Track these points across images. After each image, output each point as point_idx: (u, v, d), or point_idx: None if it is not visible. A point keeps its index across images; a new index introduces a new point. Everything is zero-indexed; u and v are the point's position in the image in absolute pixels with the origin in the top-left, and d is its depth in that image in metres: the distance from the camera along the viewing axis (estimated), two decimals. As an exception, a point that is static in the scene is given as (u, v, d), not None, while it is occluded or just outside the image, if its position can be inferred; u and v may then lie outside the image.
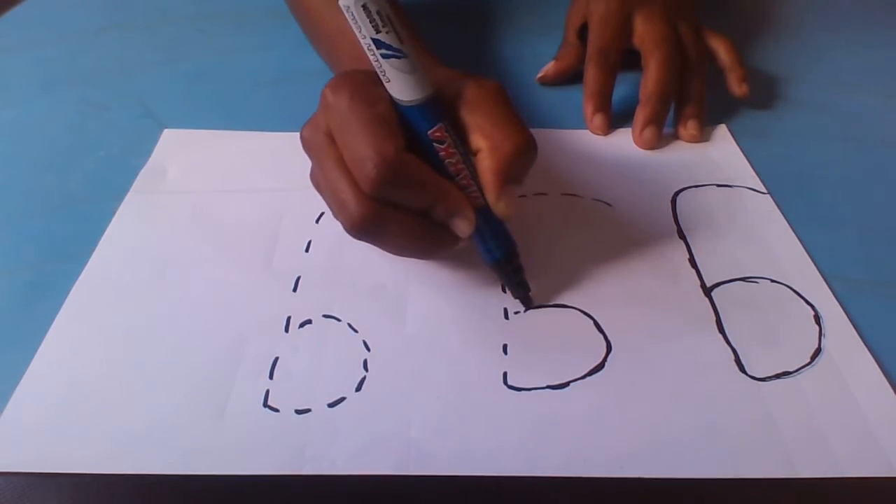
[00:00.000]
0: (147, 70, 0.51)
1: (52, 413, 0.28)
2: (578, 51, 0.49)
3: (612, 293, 0.33)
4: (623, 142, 0.44)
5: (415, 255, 0.31)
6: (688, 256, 0.36)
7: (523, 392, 0.29)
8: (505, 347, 0.31)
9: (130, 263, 0.34)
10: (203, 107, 0.47)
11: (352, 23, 0.26)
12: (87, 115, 0.46)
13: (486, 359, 0.30)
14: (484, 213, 0.30)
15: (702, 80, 0.45)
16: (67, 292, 0.33)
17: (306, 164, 0.30)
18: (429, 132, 0.28)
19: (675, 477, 0.26)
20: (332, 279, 0.34)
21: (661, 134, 0.44)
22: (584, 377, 0.29)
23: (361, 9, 0.25)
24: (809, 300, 0.33)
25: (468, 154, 0.29)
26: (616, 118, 0.46)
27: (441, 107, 0.28)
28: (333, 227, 0.30)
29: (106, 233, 0.36)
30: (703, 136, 0.45)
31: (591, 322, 0.32)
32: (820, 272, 0.35)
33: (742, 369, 0.30)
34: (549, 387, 0.29)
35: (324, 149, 0.28)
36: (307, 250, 0.35)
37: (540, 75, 0.50)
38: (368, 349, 0.31)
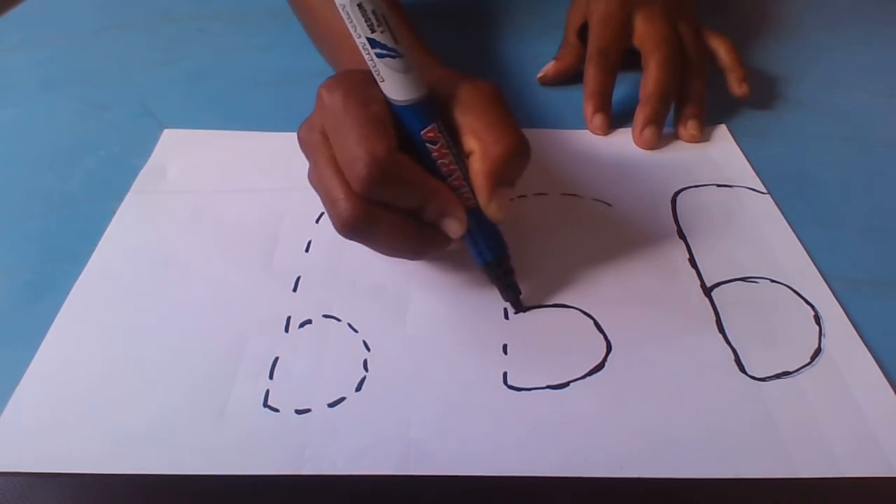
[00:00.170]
0: (147, 70, 0.51)
1: (52, 413, 0.28)
2: (578, 51, 0.49)
3: (612, 293, 0.33)
4: (623, 142, 0.44)
5: (405, 256, 0.31)
6: (688, 256, 0.36)
7: (523, 392, 0.29)
8: (505, 347, 0.31)
9: (130, 263, 0.34)
10: (203, 107, 0.47)
11: (347, 21, 0.26)
12: (87, 115, 0.46)
13: (486, 359, 0.30)
14: (476, 215, 0.29)
15: (702, 80, 0.45)
16: (67, 292, 0.33)
17: (306, 164, 0.30)
18: (421, 132, 0.28)
19: (675, 477, 0.26)
20: (332, 279, 0.34)
21: (661, 134, 0.44)
22: (584, 377, 0.29)
23: (357, 7, 0.25)
24: (809, 300, 0.33)
25: (461, 155, 0.29)
26: (616, 118, 0.46)
27: (435, 107, 0.28)
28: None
29: (106, 233, 0.36)
30: (703, 136, 0.45)
31: (591, 322, 0.32)
32: (820, 272, 0.35)
33: (742, 369, 0.30)
34: (549, 387, 0.29)
35: (318, 148, 0.28)
36: (307, 250, 0.35)
37: (540, 75, 0.50)
38: (368, 349, 0.31)
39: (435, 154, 0.28)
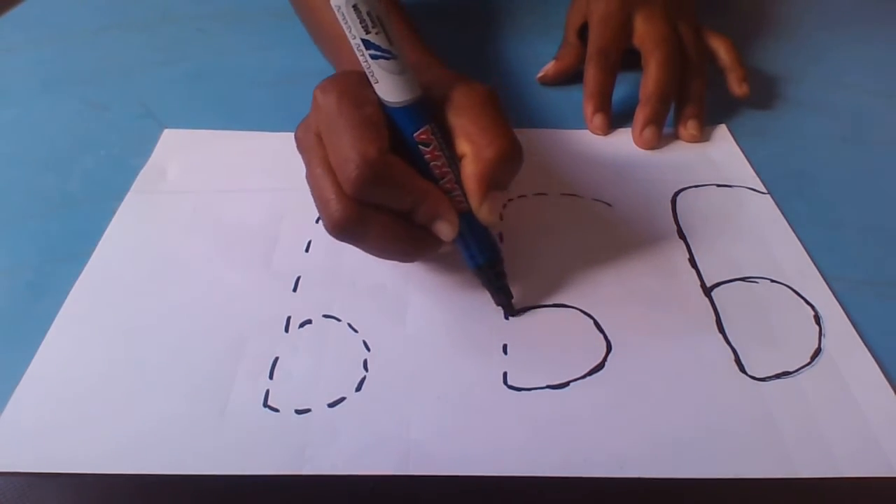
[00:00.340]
0: (147, 70, 0.51)
1: (52, 413, 0.28)
2: (578, 51, 0.49)
3: (612, 293, 0.33)
4: (623, 142, 0.44)
5: (397, 258, 0.31)
6: (688, 256, 0.36)
7: (523, 392, 0.29)
8: (505, 347, 0.31)
9: (130, 263, 0.34)
10: (203, 107, 0.47)
11: (342, 22, 0.26)
12: (87, 115, 0.46)
13: (486, 359, 0.30)
14: (468, 218, 0.29)
15: (702, 80, 0.45)
16: (67, 292, 0.33)
17: (305, 164, 0.30)
18: (414, 134, 0.28)
19: (675, 477, 0.26)
20: (332, 279, 0.34)
21: (661, 134, 0.44)
22: (584, 377, 0.29)
23: (352, 9, 0.25)
24: (809, 300, 0.33)
25: (455, 158, 0.29)
26: (616, 118, 0.46)
27: (429, 109, 0.28)
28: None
29: (106, 233, 0.36)
30: (703, 136, 0.45)
31: (592, 322, 0.32)
32: (820, 272, 0.35)
33: (742, 369, 0.30)
34: (549, 387, 0.29)
35: (312, 149, 0.28)
36: (307, 250, 0.35)
37: (540, 75, 0.50)
38: (368, 349, 0.31)
39: (428, 156, 0.28)
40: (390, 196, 0.28)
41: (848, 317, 0.32)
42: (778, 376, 0.30)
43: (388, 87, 0.27)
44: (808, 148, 0.45)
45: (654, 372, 0.30)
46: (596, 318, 0.32)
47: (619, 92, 0.46)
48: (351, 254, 0.34)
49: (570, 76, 0.50)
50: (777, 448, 0.27)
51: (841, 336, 0.31)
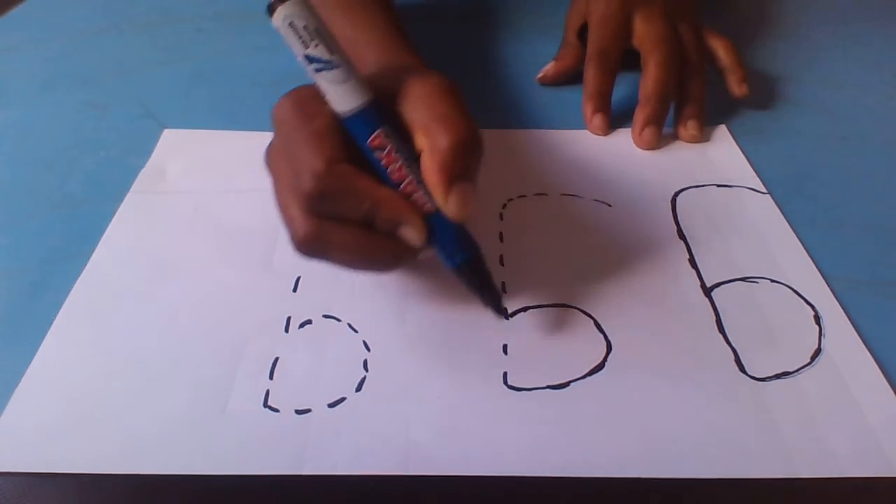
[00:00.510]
0: (147, 70, 0.51)
1: (52, 413, 0.28)
2: (578, 51, 0.49)
3: (612, 293, 0.33)
4: (623, 142, 0.44)
5: (370, 270, 0.29)
6: (688, 256, 0.36)
7: (523, 392, 0.29)
8: (505, 347, 0.31)
9: (130, 263, 0.34)
10: (203, 107, 0.47)
11: (286, 41, 0.26)
12: (87, 115, 0.46)
13: (486, 359, 0.30)
14: (437, 218, 0.28)
15: (702, 80, 0.45)
16: (67, 292, 0.33)
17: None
18: (367, 142, 0.27)
19: (675, 477, 0.26)
20: (332, 279, 0.34)
21: (660, 134, 0.44)
22: (584, 377, 0.29)
23: (289, 27, 0.25)
24: (809, 300, 0.33)
25: (415, 158, 0.27)
26: (616, 118, 0.46)
27: (379, 113, 0.27)
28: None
29: (106, 233, 0.36)
30: (703, 136, 0.45)
31: (592, 322, 0.32)
32: (820, 272, 0.35)
33: (742, 369, 0.30)
34: (549, 387, 0.29)
35: (276, 169, 0.28)
36: (307, 250, 0.35)
37: (540, 76, 0.50)
38: (368, 349, 0.31)
39: (384, 161, 0.27)
40: (345, 206, 0.26)
41: (848, 317, 0.32)
42: (778, 376, 0.30)
43: (336, 98, 0.26)
44: (808, 148, 0.45)
45: (654, 372, 0.30)
46: (596, 318, 0.32)
47: (619, 92, 0.46)
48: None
49: (570, 77, 0.50)
50: (777, 448, 0.27)
51: (841, 336, 0.31)
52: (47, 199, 0.39)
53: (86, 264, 0.34)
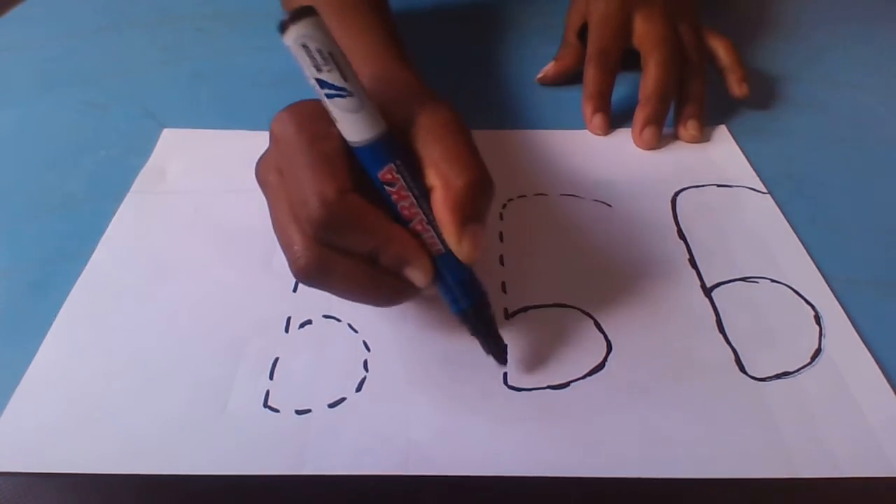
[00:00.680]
0: (147, 70, 0.51)
1: (52, 413, 0.28)
2: (578, 51, 0.49)
3: (612, 293, 0.33)
4: (623, 142, 0.44)
5: (369, 303, 0.28)
6: (688, 256, 0.36)
7: (523, 392, 0.29)
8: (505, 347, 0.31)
9: (130, 263, 0.34)
10: (203, 107, 0.47)
11: (296, 61, 0.24)
12: (87, 115, 0.46)
13: (486, 359, 0.30)
14: (446, 260, 0.26)
15: (702, 80, 0.45)
16: (67, 292, 0.33)
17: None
18: (378, 174, 0.25)
19: (675, 477, 0.26)
20: (332, 279, 0.34)
21: (660, 134, 0.44)
22: (584, 377, 0.29)
23: (301, 48, 0.24)
24: (809, 300, 0.33)
25: (425, 195, 0.26)
26: (616, 118, 0.46)
27: (392, 145, 0.26)
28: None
29: (106, 233, 0.36)
30: (703, 136, 0.45)
31: (592, 322, 0.32)
32: (820, 272, 0.35)
33: (742, 369, 0.30)
34: (549, 387, 0.29)
35: (274, 189, 0.27)
36: (307, 250, 0.35)
37: (540, 76, 0.50)
38: (368, 349, 0.31)
39: (394, 197, 0.26)
40: (352, 240, 0.25)
41: (848, 317, 0.32)
42: (778, 376, 0.30)
43: (347, 127, 0.25)
44: (808, 148, 0.45)
45: (654, 372, 0.30)
46: (596, 318, 0.32)
47: (619, 92, 0.46)
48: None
49: (570, 77, 0.50)
50: (777, 448, 0.27)
51: (841, 336, 0.31)
52: (47, 199, 0.39)
53: (86, 264, 0.34)
